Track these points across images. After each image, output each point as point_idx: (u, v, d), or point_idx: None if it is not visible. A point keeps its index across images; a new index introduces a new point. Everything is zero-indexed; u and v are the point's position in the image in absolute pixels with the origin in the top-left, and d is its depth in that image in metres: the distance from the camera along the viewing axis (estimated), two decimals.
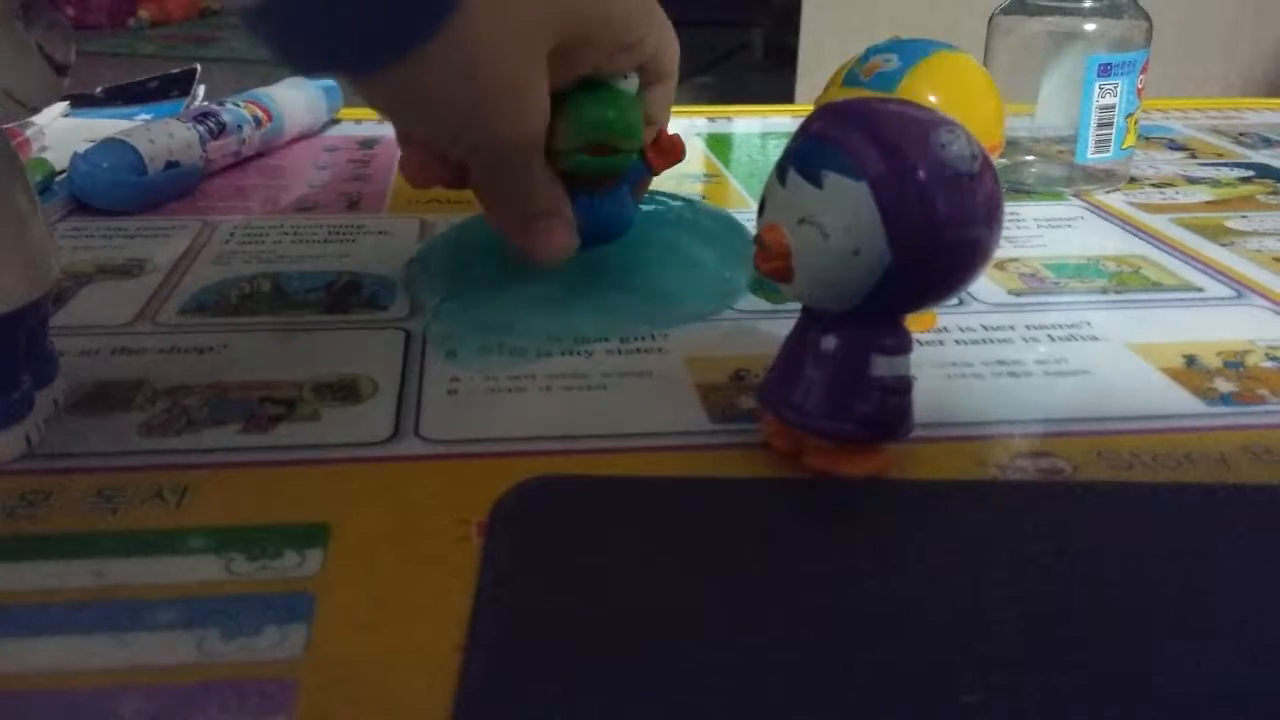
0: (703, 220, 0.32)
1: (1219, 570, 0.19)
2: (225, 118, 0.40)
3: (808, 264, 0.19)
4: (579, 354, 0.26)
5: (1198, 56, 1.03)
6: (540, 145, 0.25)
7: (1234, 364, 0.26)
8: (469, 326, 0.27)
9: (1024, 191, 0.39)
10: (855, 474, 0.21)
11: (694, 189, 0.40)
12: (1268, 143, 0.48)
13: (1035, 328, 0.28)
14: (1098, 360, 0.26)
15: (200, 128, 0.39)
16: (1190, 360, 0.26)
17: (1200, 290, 0.31)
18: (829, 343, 0.20)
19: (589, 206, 0.28)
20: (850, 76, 0.28)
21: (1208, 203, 0.39)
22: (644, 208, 0.30)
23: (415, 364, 0.26)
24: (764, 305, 0.29)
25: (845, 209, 0.19)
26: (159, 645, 0.17)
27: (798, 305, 0.21)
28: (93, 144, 0.36)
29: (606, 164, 0.27)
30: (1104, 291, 0.31)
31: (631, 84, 0.27)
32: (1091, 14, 0.37)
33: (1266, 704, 0.16)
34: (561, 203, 0.26)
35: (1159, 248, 0.34)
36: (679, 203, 0.33)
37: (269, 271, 0.31)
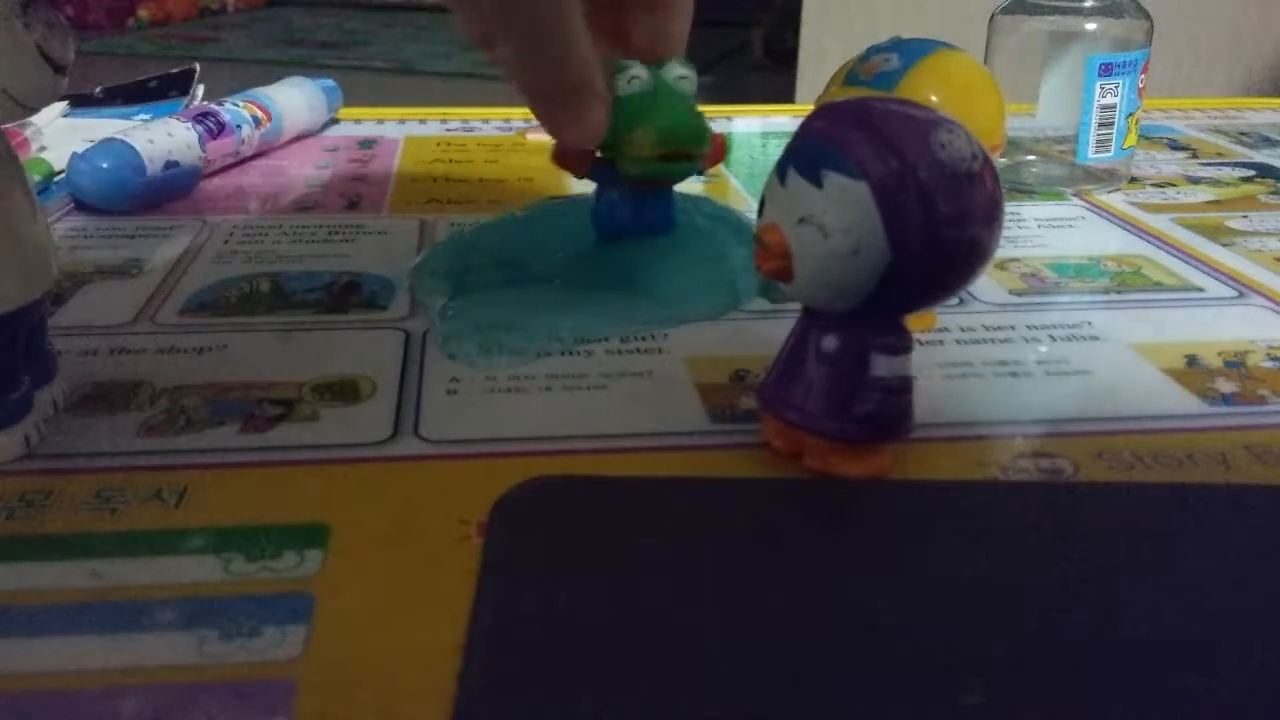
0: (705, 219, 0.32)
1: (1221, 571, 0.19)
2: (225, 117, 0.40)
3: (808, 264, 0.19)
4: (579, 354, 0.26)
5: (1199, 56, 1.03)
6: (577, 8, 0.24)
7: (1235, 364, 0.26)
8: (470, 326, 0.27)
9: (1025, 191, 0.39)
10: (856, 474, 0.21)
11: (694, 189, 0.40)
12: (1269, 142, 0.47)
13: (1036, 328, 0.28)
14: (1099, 360, 0.26)
15: (199, 127, 0.39)
16: (1191, 360, 0.26)
17: (1201, 290, 0.31)
18: (829, 343, 0.20)
19: (644, 206, 0.28)
20: (851, 76, 0.28)
21: (1209, 202, 0.39)
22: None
23: (415, 364, 0.26)
24: (764, 305, 0.28)
25: (845, 209, 0.19)
26: (158, 646, 0.16)
27: (798, 305, 0.21)
28: (92, 144, 0.36)
29: (679, 169, 0.28)
30: (1105, 291, 0.31)
31: (690, 84, 0.27)
32: (1092, 13, 0.37)
33: (1268, 704, 0.16)
34: (598, 75, 0.25)
35: (1160, 247, 0.34)
36: (684, 201, 0.33)
37: (268, 271, 0.31)
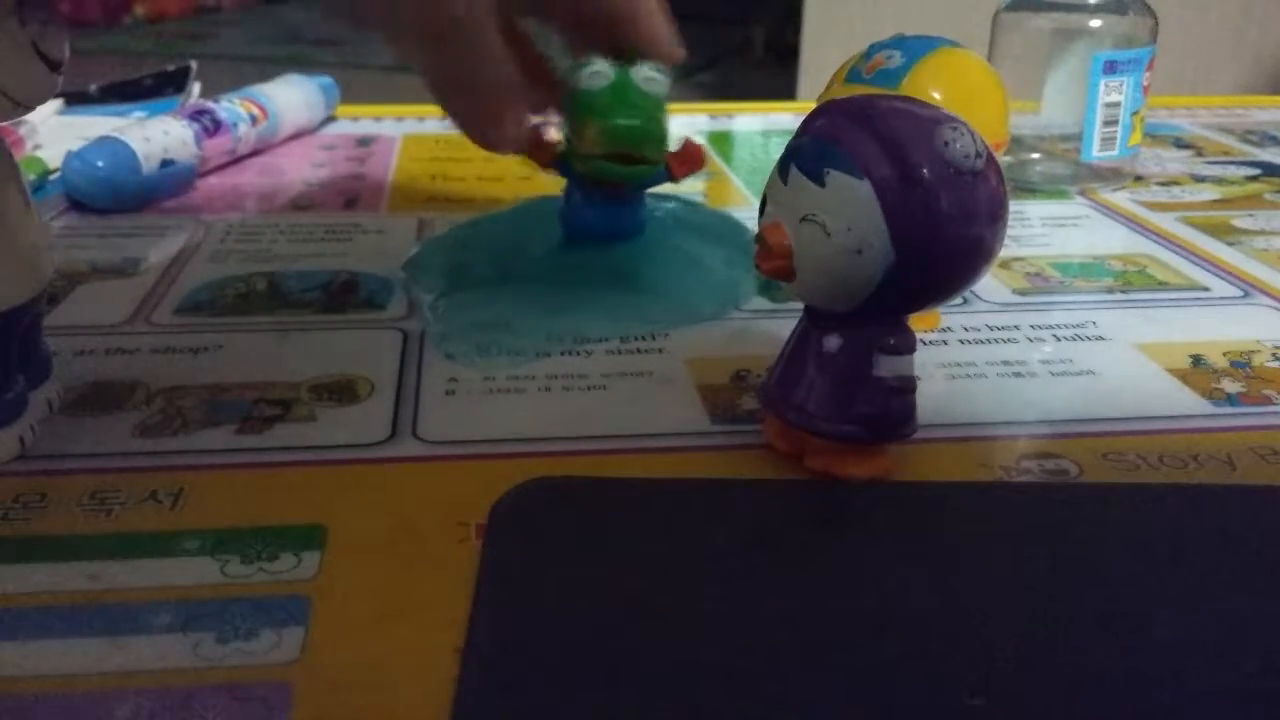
0: (704, 221, 0.32)
1: (1225, 572, 0.18)
2: (221, 115, 0.40)
3: (810, 263, 0.19)
4: (579, 354, 0.26)
5: (1204, 53, 1.03)
6: (489, 14, 0.24)
7: (1240, 364, 0.26)
8: (467, 326, 0.26)
9: (1029, 190, 0.39)
10: (858, 475, 0.20)
11: (695, 187, 0.40)
12: (1275, 140, 0.47)
13: (1040, 327, 0.28)
14: (1103, 360, 0.26)
15: (195, 125, 0.38)
16: (1197, 360, 0.26)
17: (1207, 289, 0.31)
18: (831, 343, 0.20)
19: (606, 209, 0.28)
20: (853, 73, 0.28)
21: (1214, 201, 0.39)
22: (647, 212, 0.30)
23: (413, 364, 0.25)
24: (765, 305, 0.28)
25: (848, 207, 0.18)
26: (154, 648, 0.16)
27: (800, 305, 0.21)
28: (87, 142, 0.36)
29: (630, 172, 0.27)
30: (1110, 291, 0.30)
31: (661, 86, 0.26)
32: (1097, 10, 0.37)
33: (1271, 706, 0.15)
34: (514, 81, 0.25)
35: (1165, 246, 0.34)
36: (679, 204, 0.32)
37: (265, 271, 0.31)
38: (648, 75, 0.26)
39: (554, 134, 0.28)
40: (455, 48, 0.24)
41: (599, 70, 0.26)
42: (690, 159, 0.28)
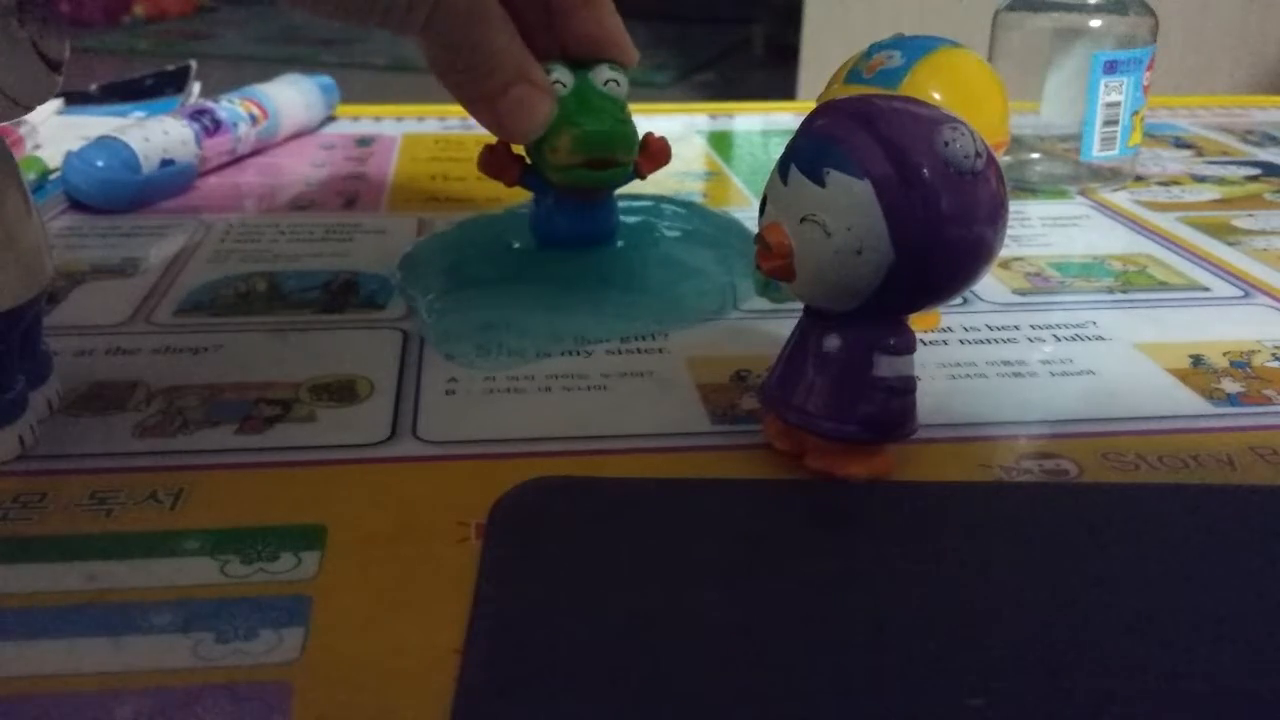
0: (702, 223, 0.32)
1: (1225, 572, 0.18)
2: (221, 115, 0.40)
3: (810, 263, 0.19)
4: (579, 354, 0.26)
5: (1204, 53, 1.03)
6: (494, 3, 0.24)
7: (1240, 364, 0.26)
8: (467, 326, 0.26)
9: (1029, 190, 0.39)
10: (857, 475, 0.20)
11: (695, 187, 0.40)
12: (1275, 140, 0.47)
13: (1040, 327, 0.28)
14: (1103, 360, 0.26)
15: (195, 125, 0.38)
16: (1197, 360, 0.26)
17: (1207, 290, 0.31)
18: (831, 343, 0.20)
19: (581, 214, 0.28)
20: (853, 73, 0.28)
21: (1214, 201, 0.39)
22: (644, 215, 0.30)
23: (413, 364, 0.25)
24: (765, 305, 0.28)
25: (848, 208, 0.18)
26: (153, 649, 0.16)
27: (800, 305, 0.21)
28: (87, 142, 0.36)
29: (605, 177, 0.27)
30: (1110, 291, 0.30)
31: (621, 88, 0.27)
32: (1097, 10, 0.37)
33: (1272, 706, 0.16)
34: (532, 66, 0.25)
35: (1165, 246, 0.34)
36: (678, 207, 0.32)
37: (265, 271, 0.31)
38: (608, 78, 0.26)
39: (515, 148, 0.27)
40: (466, 38, 0.24)
41: (558, 79, 0.26)
42: (656, 155, 0.28)
